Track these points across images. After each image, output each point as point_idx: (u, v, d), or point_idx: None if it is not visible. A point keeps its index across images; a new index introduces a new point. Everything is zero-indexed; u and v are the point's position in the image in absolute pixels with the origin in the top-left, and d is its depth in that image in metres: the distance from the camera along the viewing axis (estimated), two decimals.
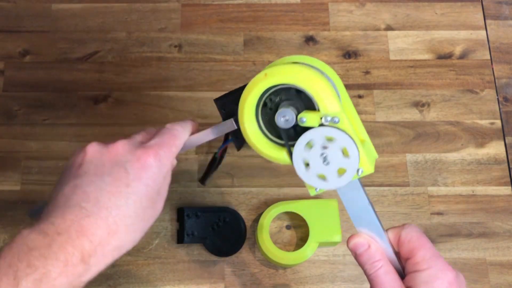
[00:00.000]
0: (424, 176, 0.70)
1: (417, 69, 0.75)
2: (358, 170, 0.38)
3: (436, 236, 0.67)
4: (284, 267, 0.65)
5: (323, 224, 0.64)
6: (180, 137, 0.43)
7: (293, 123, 0.38)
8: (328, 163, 0.37)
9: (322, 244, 0.64)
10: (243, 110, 0.41)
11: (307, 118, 0.37)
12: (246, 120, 0.41)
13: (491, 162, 0.71)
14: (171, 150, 0.42)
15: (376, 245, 0.39)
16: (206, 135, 0.47)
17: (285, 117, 0.38)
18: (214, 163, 0.59)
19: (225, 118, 0.47)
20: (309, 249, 0.63)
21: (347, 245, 0.41)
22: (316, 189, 0.40)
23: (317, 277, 0.65)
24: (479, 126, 0.72)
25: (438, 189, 0.69)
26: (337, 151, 0.37)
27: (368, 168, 0.38)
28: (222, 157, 0.59)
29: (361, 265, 0.39)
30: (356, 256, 0.40)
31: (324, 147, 0.37)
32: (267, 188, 0.68)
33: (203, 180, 0.62)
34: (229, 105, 0.46)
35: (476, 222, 0.67)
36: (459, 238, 0.67)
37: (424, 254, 0.37)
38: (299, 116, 0.37)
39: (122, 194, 0.36)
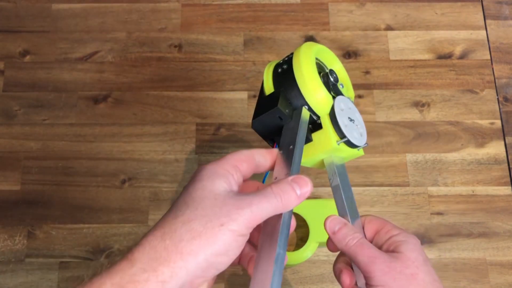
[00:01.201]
0: (424, 176, 0.70)
1: (417, 69, 0.75)
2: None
3: (436, 236, 0.67)
4: (284, 267, 0.65)
5: (323, 224, 0.64)
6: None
7: (337, 81, 0.44)
8: (354, 123, 0.43)
9: (322, 244, 0.64)
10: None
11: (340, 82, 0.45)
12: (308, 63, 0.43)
13: (491, 162, 0.71)
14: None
15: (351, 224, 0.40)
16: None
17: (333, 76, 0.44)
18: None
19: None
20: (309, 249, 0.63)
21: (324, 226, 0.40)
22: (339, 142, 0.42)
23: (317, 277, 0.65)
24: (479, 126, 0.72)
25: (438, 189, 0.69)
26: (356, 115, 0.44)
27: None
28: None
29: (339, 240, 0.39)
30: (334, 233, 0.40)
31: (348, 111, 0.43)
32: None
33: None
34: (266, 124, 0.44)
35: (476, 222, 0.67)
36: (459, 238, 0.67)
37: (391, 226, 0.40)
38: (338, 83, 0.44)
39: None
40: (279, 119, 0.41)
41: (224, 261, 0.32)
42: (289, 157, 0.38)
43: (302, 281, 0.65)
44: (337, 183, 0.41)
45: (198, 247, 0.31)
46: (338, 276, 0.40)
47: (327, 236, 0.61)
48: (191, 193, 0.33)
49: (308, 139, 0.42)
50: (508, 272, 0.66)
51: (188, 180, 0.35)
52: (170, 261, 0.30)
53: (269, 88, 0.43)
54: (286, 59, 0.44)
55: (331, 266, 0.65)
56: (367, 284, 0.37)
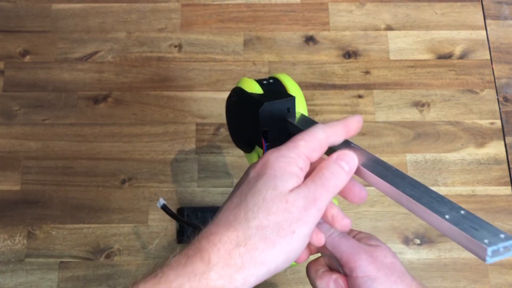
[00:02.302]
0: (424, 176, 0.70)
1: (417, 69, 0.75)
2: None
3: (436, 236, 0.67)
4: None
5: None
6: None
7: None
8: None
9: None
10: None
11: None
12: None
13: (491, 162, 0.71)
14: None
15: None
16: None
17: None
18: None
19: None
20: None
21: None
22: None
23: None
24: (479, 126, 0.72)
25: (438, 189, 0.69)
26: None
27: None
28: None
29: (324, 231, 0.39)
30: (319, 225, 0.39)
31: None
32: None
33: None
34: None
35: None
36: None
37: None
38: None
39: None
40: (286, 111, 0.43)
41: (294, 257, 0.33)
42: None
43: (302, 281, 0.65)
44: None
45: (272, 257, 0.31)
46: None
47: None
48: (261, 191, 0.32)
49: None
50: (508, 272, 0.66)
51: (254, 166, 0.34)
52: (244, 269, 0.30)
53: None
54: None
55: None
56: (349, 276, 0.37)
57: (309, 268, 0.40)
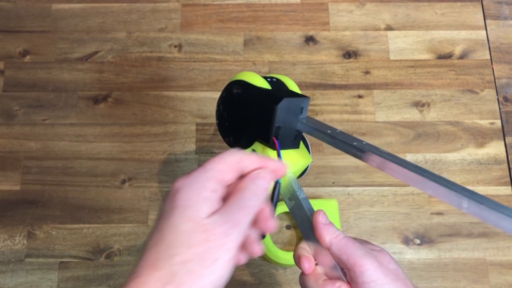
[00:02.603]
0: None
1: (417, 69, 0.75)
2: None
3: (436, 236, 0.67)
4: (284, 267, 0.65)
5: None
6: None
7: None
8: None
9: None
10: None
11: None
12: None
13: (491, 162, 0.71)
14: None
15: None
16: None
17: None
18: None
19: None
20: None
21: (315, 219, 0.39)
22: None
23: None
24: (479, 126, 0.72)
25: None
26: None
27: None
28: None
29: (331, 232, 0.38)
30: (325, 225, 0.39)
31: None
32: None
33: None
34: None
35: (476, 222, 0.67)
36: (459, 238, 0.67)
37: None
38: None
39: None
40: (300, 110, 0.43)
41: (223, 282, 0.32)
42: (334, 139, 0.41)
43: None
44: (305, 196, 0.41)
45: (200, 287, 0.30)
46: (297, 261, 0.39)
47: None
48: (179, 226, 0.31)
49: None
50: (508, 272, 0.66)
51: (168, 197, 0.33)
52: None
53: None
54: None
55: None
56: (354, 282, 0.36)
57: (307, 280, 0.39)
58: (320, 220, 0.39)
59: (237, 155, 0.35)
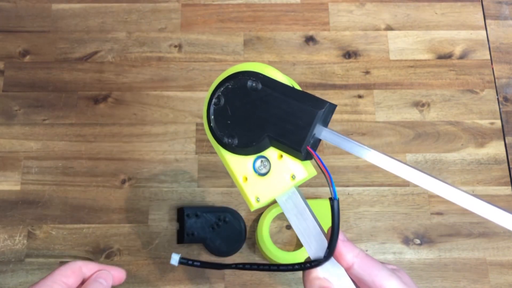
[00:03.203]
0: None
1: (417, 69, 0.75)
2: None
3: (436, 236, 0.67)
4: None
5: (323, 224, 0.64)
6: None
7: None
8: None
9: None
10: None
11: None
12: None
13: (491, 162, 0.71)
14: None
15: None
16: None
17: None
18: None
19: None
20: None
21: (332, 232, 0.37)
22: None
23: None
24: (479, 126, 0.72)
25: None
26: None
27: None
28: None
29: (351, 250, 0.36)
30: (345, 241, 0.37)
31: None
32: None
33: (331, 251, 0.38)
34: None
35: (476, 222, 0.67)
36: (459, 238, 0.67)
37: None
38: None
39: None
40: (329, 117, 0.39)
41: None
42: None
43: (302, 281, 0.65)
44: (312, 214, 0.39)
45: None
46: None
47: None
48: None
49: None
50: (508, 272, 0.66)
51: None
52: None
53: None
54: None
55: None
56: None
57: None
58: (340, 236, 0.36)
59: (79, 263, 0.41)
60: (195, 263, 0.42)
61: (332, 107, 0.38)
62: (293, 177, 0.39)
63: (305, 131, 0.37)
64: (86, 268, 0.42)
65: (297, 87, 0.41)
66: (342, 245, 0.36)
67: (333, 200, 0.36)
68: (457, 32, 0.77)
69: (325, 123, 0.39)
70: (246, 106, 0.39)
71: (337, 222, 0.36)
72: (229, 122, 0.40)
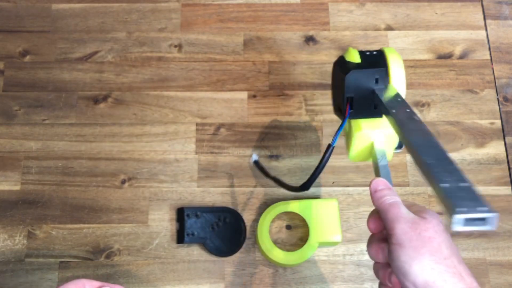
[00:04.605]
0: None
1: (417, 69, 0.75)
2: None
3: None
4: (284, 267, 0.65)
5: (323, 224, 0.64)
6: None
7: None
8: None
9: (322, 244, 0.64)
10: None
11: None
12: None
13: (491, 162, 0.71)
14: None
15: (393, 190, 0.45)
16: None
17: None
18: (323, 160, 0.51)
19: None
20: (309, 249, 0.63)
21: (370, 186, 0.45)
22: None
23: (317, 277, 0.65)
24: (479, 126, 0.72)
25: None
26: None
27: None
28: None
29: (377, 198, 0.44)
30: (375, 191, 0.44)
31: None
32: (267, 188, 0.68)
33: (308, 184, 0.53)
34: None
35: None
36: (459, 238, 0.67)
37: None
38: None
39: None
40: (374, 81, 0.46)
41: None
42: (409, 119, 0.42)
43: (302, 281, 0.65)
44: (385, 163, 0.46)
45: None
46: (367, 222, 0.46)
47: (327, 236, 0.62)
48: None
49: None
50: (508, 272, 0.66)
51: None
52: None
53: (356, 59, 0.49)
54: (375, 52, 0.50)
55: (331, 266, 0.65)
56: (389, 241, 0.40)
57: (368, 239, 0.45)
58: (372, 187, 0.45)
59: (82, 280, 0.43)
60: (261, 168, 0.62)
61: (359, 73, 0.47)
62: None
63: (342, 94, 0.48)
64: (90, 285, 0.43)
65: (396, 61, 0.48)
66: (372, 195, 0.45)
67: (329, 145, 0.48)
68: (457, 32, 0.77)
69: (373, 85, 0.47)
70: (334, 81, 0.53)
71: (322, 165, 0.48)
72: (334, 94, 0.54)
